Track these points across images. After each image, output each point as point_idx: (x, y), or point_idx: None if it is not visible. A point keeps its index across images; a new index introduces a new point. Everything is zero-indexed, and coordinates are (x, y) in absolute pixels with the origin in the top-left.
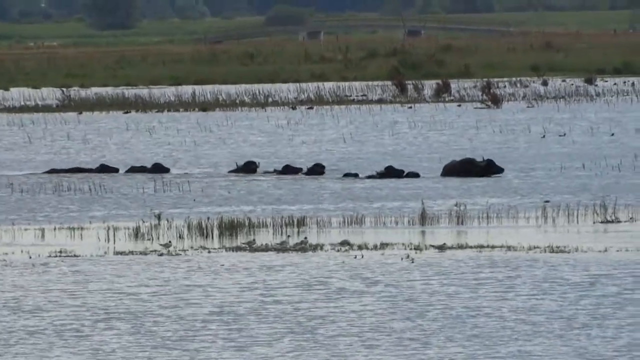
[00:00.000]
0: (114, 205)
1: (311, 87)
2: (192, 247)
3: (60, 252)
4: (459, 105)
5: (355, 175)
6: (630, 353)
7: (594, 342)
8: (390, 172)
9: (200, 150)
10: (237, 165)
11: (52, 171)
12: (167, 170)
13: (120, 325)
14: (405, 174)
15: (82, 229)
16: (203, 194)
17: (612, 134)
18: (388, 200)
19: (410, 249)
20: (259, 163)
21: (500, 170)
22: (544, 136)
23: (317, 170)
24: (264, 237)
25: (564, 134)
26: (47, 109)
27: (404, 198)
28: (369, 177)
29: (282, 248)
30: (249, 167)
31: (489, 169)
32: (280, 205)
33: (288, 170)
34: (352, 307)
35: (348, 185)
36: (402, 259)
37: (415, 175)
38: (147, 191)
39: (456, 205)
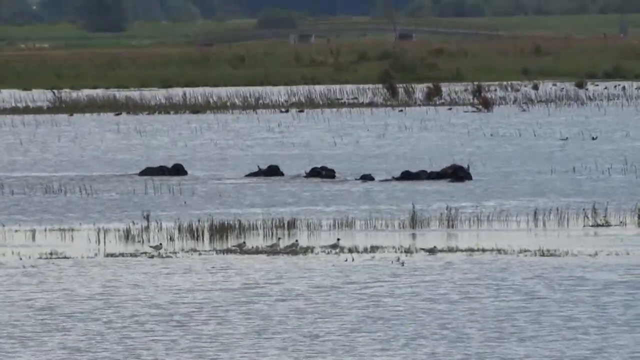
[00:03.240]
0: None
1: (302, 90)
2: (182, 250)
3: (51, 253)
4: (450, 109)
5: (371, 179)
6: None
7: (568, 344)
8: (407, 176)
9: (215, 153)
10: (259, 168)
11: (145, 172)
12: (185, 173)
13: (69, 326)
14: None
15: (72, 230)
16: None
17: (594, 138)
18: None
19: (401, 252)
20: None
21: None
22: (566, 138)
23: (329, 174)
24: (255, 240)
25: (595, 138)
26: (38, 110)
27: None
28: (385, 180)
29: (272, 251)
30: (274, 171)
31: (461, 174)
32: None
33: (314, 173)
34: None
35: (387, 188)
36: (392, 262)
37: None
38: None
39: (447, 208)
